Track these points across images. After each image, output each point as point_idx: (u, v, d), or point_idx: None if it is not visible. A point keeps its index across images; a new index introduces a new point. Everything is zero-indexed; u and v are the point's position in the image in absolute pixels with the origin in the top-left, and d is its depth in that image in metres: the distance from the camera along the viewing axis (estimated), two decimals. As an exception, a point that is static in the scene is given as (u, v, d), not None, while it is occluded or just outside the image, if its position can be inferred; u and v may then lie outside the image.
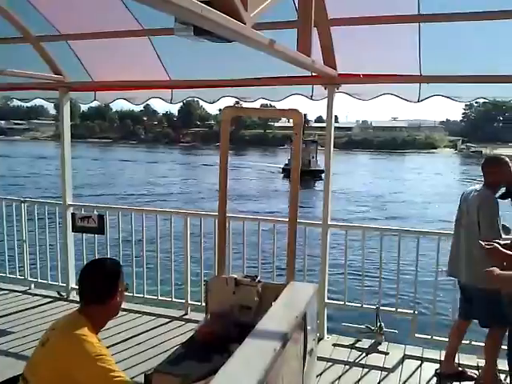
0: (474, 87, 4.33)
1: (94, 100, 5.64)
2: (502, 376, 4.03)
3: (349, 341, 4.86)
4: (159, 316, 5.29)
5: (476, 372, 4.16)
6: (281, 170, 47.00)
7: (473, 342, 4.56)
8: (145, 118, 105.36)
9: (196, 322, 4.46)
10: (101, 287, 2.16)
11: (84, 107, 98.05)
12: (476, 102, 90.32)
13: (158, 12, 1.91)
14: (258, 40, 2.51)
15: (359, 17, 4.12)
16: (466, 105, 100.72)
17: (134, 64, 5.17)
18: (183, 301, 5.45)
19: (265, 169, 51.62)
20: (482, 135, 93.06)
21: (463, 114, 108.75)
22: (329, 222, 4.89)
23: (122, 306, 2.33)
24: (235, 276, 3.12)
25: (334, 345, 4.79)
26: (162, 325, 5.09)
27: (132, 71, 5.12)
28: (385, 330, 4.83)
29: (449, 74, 4.25)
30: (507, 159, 3.84)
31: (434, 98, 4.39)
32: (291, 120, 3.07)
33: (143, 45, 4.84)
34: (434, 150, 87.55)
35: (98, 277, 2.19)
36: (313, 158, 48.07)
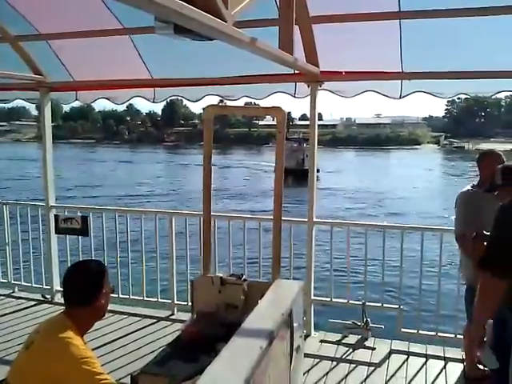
0: (455, 83, 4.38)
1: (76, 100, 5.59)
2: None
3: (336, 337, 4.89)
4: (145, 317, 5.26)
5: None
6: (274, 169, 46.16)
7: (458, 336, 4.63)
8: (128, 118, 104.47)
9: (183, 321, 4.41)
10: (84, 288, 2.14)
11: (66, 108, 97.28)
12: (458, 98, 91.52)
13: (139, 10, 1.90)
14: (239, 38, 2.50)
15: (340, 14, 4.14)
16: (448, 101, 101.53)
17: (116, 63, 5.13)
18: (169, 301, 5.44)
19: (261, 168, 50.68)
20: (464, 131, 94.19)
21: (445, 110, 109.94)
22: (314, 220, 4.90)
23: (108, 308, 2.31)
24: (221, 275, 3.11)
25: (321, 341, 4.82)
26: (148, 325, 5.06)
27: (113, 70, 5.07)
28: (371, 325, 4.87)
29: (430, 71, 4.29)
30: (499, 152, 3.89)
31: (416, 95, 4.44)
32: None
33: (124, 44, 4.81)
34: (417, 146, 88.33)
35: (81, 278, 2.17)
36: (307, 156, 47.05)
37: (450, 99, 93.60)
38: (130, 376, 2.51)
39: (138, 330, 4.92)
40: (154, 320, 5.19)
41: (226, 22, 2.34)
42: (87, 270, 2.22)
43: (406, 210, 26.39)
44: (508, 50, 4.20)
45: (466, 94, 4.55)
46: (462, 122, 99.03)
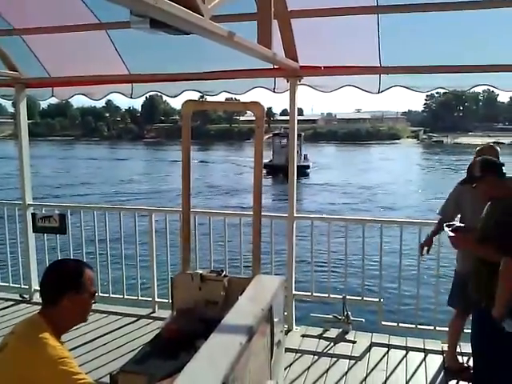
0: (433, 78, 4.42)
1: (52, 96, 5.50)
2: (466, 358, 4.16)
3: (317, 331, 4.92)
4: (126, 315, 5.21)
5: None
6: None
7: (437, 328, 4.69)
8: (107, 115, 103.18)
9: (164, 319, 4.39)
10: (51, 287, 2.08)
11: (44, 104, 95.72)
12: (437, 93, 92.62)
13: (116, 5, 1.87)
14: (216, 32, 2.48)
15: (319, 8, 4.14)
16: (427, 95, 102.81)
17: (92, 58, 5.06)
18: (150, 299, 5.40)
19: (249, 164, 49.65)
20: (443, 125, 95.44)
21: (424, 104, 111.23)
22: (294, 215, 4.91)
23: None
24: (201, 271, 3.09)
25: (303, 336, 4.84)
26: (128, 324, 5.02)
27: (90, 66, 5.00)
28: (352, 319, 4.90)
29: (408, 65, 4.32)
30: (494, 146, 3.98)
31: (395, 89, 4.46)
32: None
33: (101, 39, 4.74)
34: (397, 141, 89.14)
35: (51, 277, 2.12)
36: (297, 152, 46.01)
37: (429, 94, 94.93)
38: (109, 375, 2.48)
39: (118, 329, 4.88)
40: (135, 318, 5.15)
41: (202, 16, 2.32)
42: (59, 268, 2.16)
43: (402, 204, 26.51)
44: (484, 44, 4.26)
45: (443, 88, 4.59)
46: (440, 117, 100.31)
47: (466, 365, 4.14)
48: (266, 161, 40.88)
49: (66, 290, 2.06)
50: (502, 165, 3.24)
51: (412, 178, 38.07)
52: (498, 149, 3.96)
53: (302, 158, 42.56)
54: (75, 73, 5.09)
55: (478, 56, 4.19)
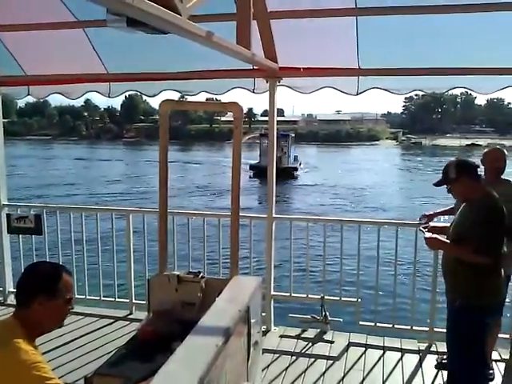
0: (411, 80, 4.46)
1: (28, 95, 5.39)
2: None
3: (295, 331, 4.93)
4: (102, 317, 5.15)
5: None
6: (248, 167, 38.24)
7: (414, 327, 4.74)
8: (86, 114, 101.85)
9: (141, 321, 4.37)
10: (23, 289, 2.04)
11: (21, 103, 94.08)
12: (416, 95, 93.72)
13: (93, 3, 1.84)
14: (194, 32, 2.47)
15: (298, 10, 4.15)
16: (405, 97, 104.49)
17: (69, 57, 4.98)
18: (127, 300, 5.35)
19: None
20: (422, 127, 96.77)
21: (403, 106, 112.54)
22: (273, 215, 4.92)
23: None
24: (178, 273, 3.07)
25: (281, 336, 4.84)
26: (105, 326, 4.96)
27: (67, 64, 4.93)
28: (330, 319, 4.92)
29: (386, 67, 4.36)
30: (501, 149, 4.07)
31: (374, 91, 4.51)
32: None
33: (78, 37, 4.68)
34: (376, 142, 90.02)
35: (26, 279, 2.08)
36: (285, 153, 41.00)
37: (408, 96, 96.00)
38: (83, 378, 2.45)
39: (94, 331, 4.82)
40: (112, 320, 5.10)
41: (180, 15, 2.30)
42: (34, 271, 2.11)
43: (392, 205, 26.54)
44: (462, 47, 4.32)
45: (421, 91, 4.66)
46: (419, 119, 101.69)
47: None
48: (253, 162, 39.74)
49: (37, 294, 2.01)
50: (477, 166, 3.29)
51: (398, 180, 38.41)
52: (506, 152, 4.04)
53: (291, 159, 41.80)
54: (52, 71, 5.01)
55: (455, 59, 4.25)
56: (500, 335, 4.32)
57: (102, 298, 5.48)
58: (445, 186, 3.31)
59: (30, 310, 2.00)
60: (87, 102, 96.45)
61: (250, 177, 35.67)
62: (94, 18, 4.45)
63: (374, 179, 37.38)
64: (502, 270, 3.21)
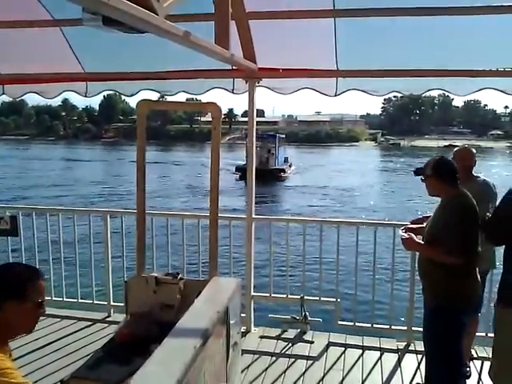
0: (389, 81, 4.50)
1: (3, 94, 5.29)
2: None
3: (275, 332, 4.93)
4: (80, 319, 5.07)
5: None
6: (233, 169, 36.86)
7: (392, 327, 4.78)
8: (63, 114, 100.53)
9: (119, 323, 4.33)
10: None
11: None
12: (394, 97, 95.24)
13: (69, 2, 1.81)
14: (171, 31, 2.45)
15: (276, 11, 4.15)
16: (384, 99, 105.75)
17: (45, 56, 4.88)
18: (106, 302, 5.28)
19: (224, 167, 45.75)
20: (400, 128, 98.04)
21: (382, 107, 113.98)
22: (253, 216, 4.91)
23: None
24: (156, 274, 3.04)
25: (261, 337, 4.84)
26: (83, 328, 4.88)
27: (43, 63, 4.83)
28: (310, 319, 4.94)
29: (364, 69, 4.39)
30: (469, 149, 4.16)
31: (354, 93, 4.53)
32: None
33: (54, 35, 4.59)
34: (355, 143, 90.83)
35: None
36: (272, 154, 39.76)
37: (386, 97, 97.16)
38: (60, 382, 2.41)
39: (72, 334, 4.74)
40: (90, 323, 5.02)
41: (157, 14, 2.28)
42: (5, 272, 2.04)
43: (382, 206, 26.72)
44: (438, 49, 4.37)
45: (398, 92, 4.70)
46: (397, 120, 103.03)
47: None
48: (241, 163, 36.93)
49: (7, 297, 1.95)
50: (455, 169, 3.31)
51: (385, 180, 38.74)
52: (474, 150, 4.11)
53: (279, 160, 40.37)
54: (27, 70, 4.92)
55: (432, 61, 4.30)
56: (477, 333, 4.39)
57: (80, 301, 5.39)
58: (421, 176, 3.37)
59: (0, 313, 1.95)
60: (65, 101, 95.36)
61: (237, 179, 34.54)
62: (70, 17, 4.37)
63: (362, 180, 37.65)
64: (477, 270, 3.25)
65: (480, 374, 4.08)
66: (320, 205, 26.92)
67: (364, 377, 4.09)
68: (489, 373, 3.28)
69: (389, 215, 21.20)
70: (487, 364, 3.86)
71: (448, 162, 3.36)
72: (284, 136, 48.87)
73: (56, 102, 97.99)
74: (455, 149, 4.19)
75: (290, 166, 43.89)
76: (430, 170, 3.29)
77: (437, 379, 3.39)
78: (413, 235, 3.42)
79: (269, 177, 34.31)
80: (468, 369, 4.07)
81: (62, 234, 5.32)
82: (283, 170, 39.37)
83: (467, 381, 3.90)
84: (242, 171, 33.89)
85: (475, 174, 4.05)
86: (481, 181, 4.00)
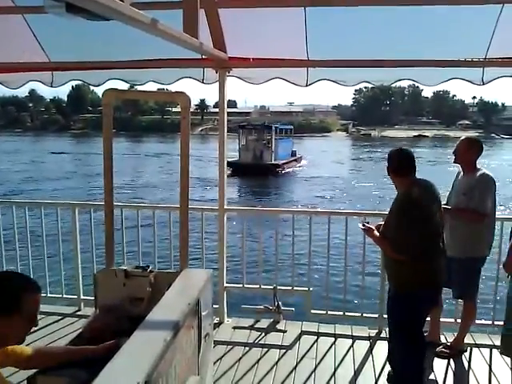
0: (358, 71, 4.52)
1: (-38, 84, 5.11)
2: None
3: (248, 322, 4.95)
4: (49, 314, 4.96)
5: None
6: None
7: (364, 314, 4.85)
8: (30, 105, 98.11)
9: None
10: None
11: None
12: (365, 88, 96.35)
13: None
14: (137, 19, 2.38)
15: (245, -1, 4.11)
16: (355, 90, 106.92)
17: (7, 44, 4.72)
18: (75, 296, 5.20)
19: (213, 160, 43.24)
20: (371, 119, 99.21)
21: (353, 98, 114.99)
22: (225, 207, 4.88)
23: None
24: (125, 267, 2.99)
25: (234, 327, 4.84)
26: (52, 323, 4.79)
27: (5, 52, 4.67)
28: (283, 308, 4.96)
29: (334, 59, 4.39)
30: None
31: (325, 83, 4.53)
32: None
33: (17, 24, 4.44)
34: (327, 134, 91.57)
35: None
36: (268, 148, 36.19)
37: (358, 88, 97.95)
38: (26, 380, 2.35)
39: (40, 329, 4.61)
40: (59, 317, 4.94)
41: (122, 1, 2.22)
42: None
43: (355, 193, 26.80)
44: (407, 39, 4.40)
45: (368, 83, 4.70)
46: (368, 111, 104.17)
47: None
48: (234, 158, 34.04)
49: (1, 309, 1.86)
50: (406, 160, 3.34)
51: (370, 171, 38.11)
52: (477, 142, 4.18)
53: (278, 154, 36.50)
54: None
55: (401, 51, 4.33)
56: (444, 319, 4.51)
57: (49, 295, 5.28)
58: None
59: None
60: (32, 92, 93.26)
61: (228, 175, 32.62)
62: (33, 4, 4.23)
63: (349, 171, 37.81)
64: (435, 257, 3.30)
65: (469, 362, 4.17)
66: (325, 195, 26.59)
67: (336, 364, 4.14)
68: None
69: (360, 203, 21.42)
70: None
71: (396, 155, 3.41)
72: (291, 127, 44.99)
73: (23, 92, 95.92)
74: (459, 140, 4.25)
75: (296, 160, 40.37)
76: (387, 165, 3.38)
77: (397, 361, 3.55)
78: (372, 227, 3.49)
79: (263, 173, 32.34)
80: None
81: (28, 228, 5.21)
82: (277, 165, 35.62)
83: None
84: (232, 167, 32.01)
85: (478, 167, 4.09)
86: (478, 174, 4.04)
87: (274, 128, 37.64)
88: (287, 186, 31.60)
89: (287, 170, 36.76)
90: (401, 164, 3.33)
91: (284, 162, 36.93)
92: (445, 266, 3.42)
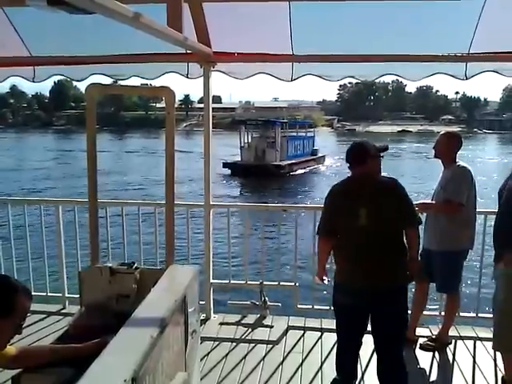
0: (343, 66, 4.53)
1: None
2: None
3: (235, 318, 4.94)
4: (34, 312, 4.87)
5: None
6: (221, 165, 31.08)
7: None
8: (12, 101, 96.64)
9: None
10: None
11: None
12: (349, 83, 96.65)
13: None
14: (120, 12, 2.35)
15: (230, -7, 4.08)
16: (340, 85, 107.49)
17: (-13, 38, 4.64)
18: (60, 294, 5.14)
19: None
20: (355, 114, 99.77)
21: (338, 94, 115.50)
22: (211, 203, 4.87)
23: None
24: (110, 264, 2.96)
25: (221, 323, 4.84)
26: (37, 321, 4.73)
27: (-15, 47, 4.59)
28: (269, 304, 4.97)
29: (318, 53, 4.39)
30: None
31: (310, 79, 4.53)
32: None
33: (-4, 17, 4.36)
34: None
35: None
36: (272, 147, 31.90)
37: (342, 84, 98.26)
38: (11, 378, 2.31)
39: (25, 327, 4.54)
40: (44, 315, 4.87)
41: (105, -6, 2.19)
42: None
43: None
44: (392, 34, 4.42)
45: (353, 77, 4.72)
46: (352, 106, 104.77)
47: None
48: (236, 158, 32.18)
49: None
50: (355, 151, 3.35)
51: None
52: (455, 136, 4.28)
53: (279, 155, 32.11)
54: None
55: (384, 46, 4.34)
56: (428, 313, 4.55)
57: (33, 293, 5.19)
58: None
59: None
60: (13, 88, 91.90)
61: (225, 175, 29.96)
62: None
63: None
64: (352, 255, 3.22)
65: (454, 354, 4.22)
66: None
67: (323, 359, 4.16)
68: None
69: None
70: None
71: (349, 148, 3.40)
72: (310, 122, 42.22)
73: (4, 88, 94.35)
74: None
75: (315, 160, 36.22)
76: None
77: None
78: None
79: (265, 174, 29.03)
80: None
81: (12, 225, 5.14)
82: (280, 166, 31.28)
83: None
84: (231, 168, 30.41)
85: (457, 161, 4.14)
86: (455, 167, 4.10)
87: (278, 123, 33.71)
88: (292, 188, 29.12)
89: (299, 172, 32.92)
90: (348, 157, 3.38)
91: (293, 162, 33.04)
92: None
